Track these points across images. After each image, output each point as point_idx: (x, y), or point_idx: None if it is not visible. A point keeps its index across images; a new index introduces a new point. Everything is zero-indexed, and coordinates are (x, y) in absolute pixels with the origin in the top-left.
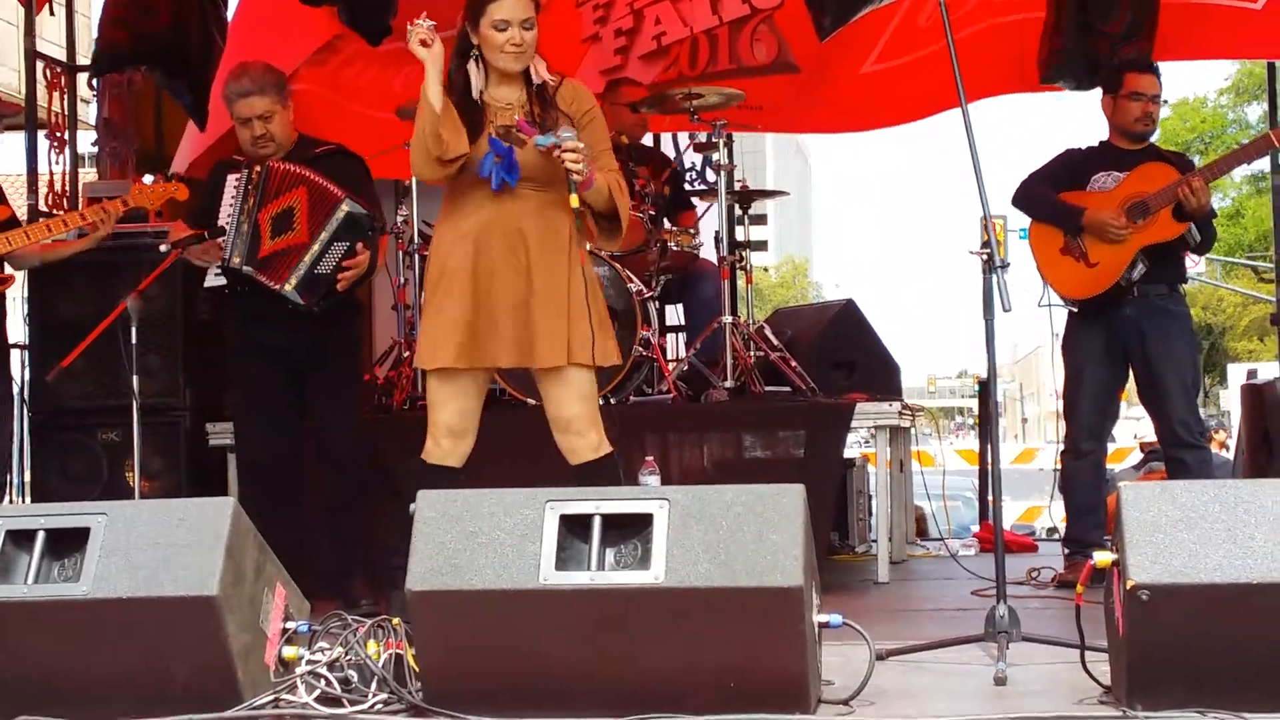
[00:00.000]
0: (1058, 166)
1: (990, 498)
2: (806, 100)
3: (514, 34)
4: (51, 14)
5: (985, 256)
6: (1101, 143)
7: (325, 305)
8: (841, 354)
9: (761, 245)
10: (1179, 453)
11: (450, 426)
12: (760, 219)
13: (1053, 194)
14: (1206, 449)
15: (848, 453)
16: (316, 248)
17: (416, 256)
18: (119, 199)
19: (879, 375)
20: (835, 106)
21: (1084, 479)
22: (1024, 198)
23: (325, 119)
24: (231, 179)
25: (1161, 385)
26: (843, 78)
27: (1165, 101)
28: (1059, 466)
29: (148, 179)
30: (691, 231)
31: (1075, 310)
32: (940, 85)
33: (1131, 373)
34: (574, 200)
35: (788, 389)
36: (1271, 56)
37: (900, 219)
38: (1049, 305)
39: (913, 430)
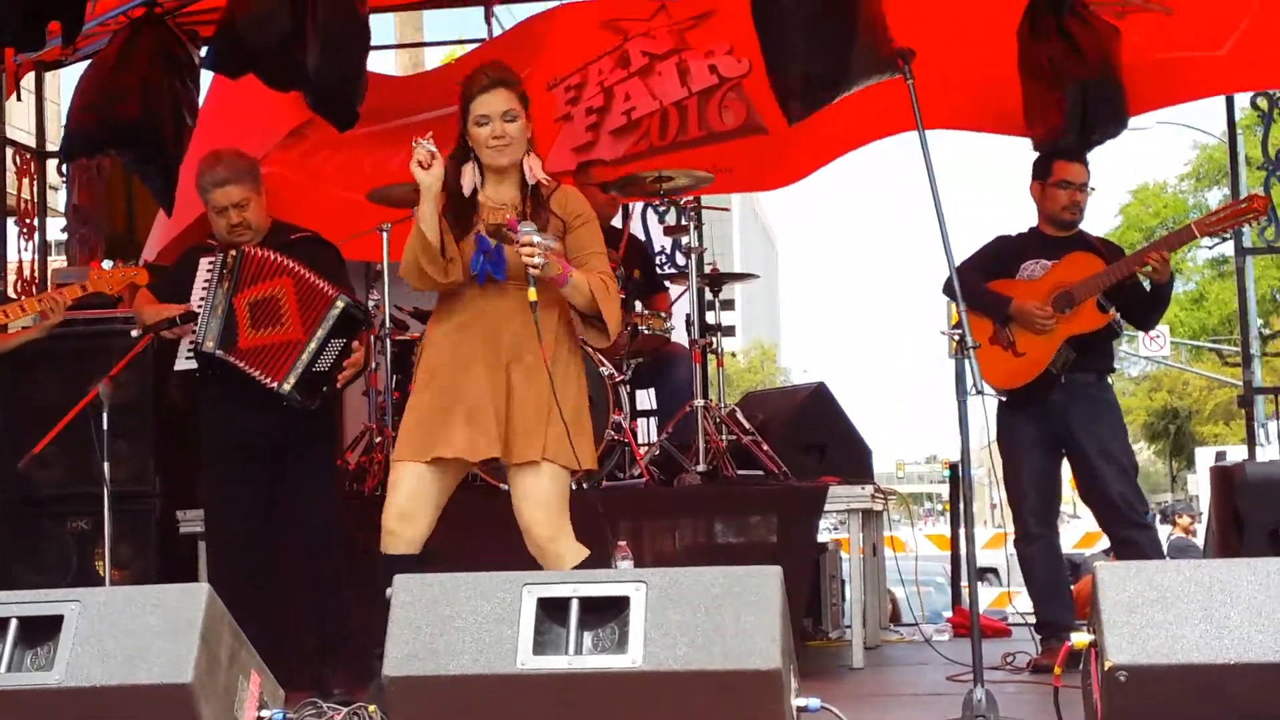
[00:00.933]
0: (989, 254)
1: (965, 582)
2: (774, 159)
3: (495, 127)
4: (19, 100)
5: (957, 338)
6: (1031, 229)
7: (322, 402)
8: (813, 437)
9: (729, 330)
10: (1128, 532)
11: (400, 510)
12: (729, 304)
13: (982, 283)
14: (1154, 528)
15: (820, 537)
16: (314, 345)
17: (387, 341)
18: (74, 284)
19: (850, 458)
20: (797, 155)
21: (1041, 563)
22: (954, 286)
23: (295, 201)
24: (204, 262)
25: (1097, 470)
26: (805, 128)
27: (1128, 192)
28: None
29: (106, 264)
30: (663, 315)
31: (1005, 400)
32: (891, 107)
33: (1068, 464)
34: (531, 294)
35: (760, 473)
36: (1238, 91)
37: (868, 302)
38: (980, 394)
39: (885, 514)
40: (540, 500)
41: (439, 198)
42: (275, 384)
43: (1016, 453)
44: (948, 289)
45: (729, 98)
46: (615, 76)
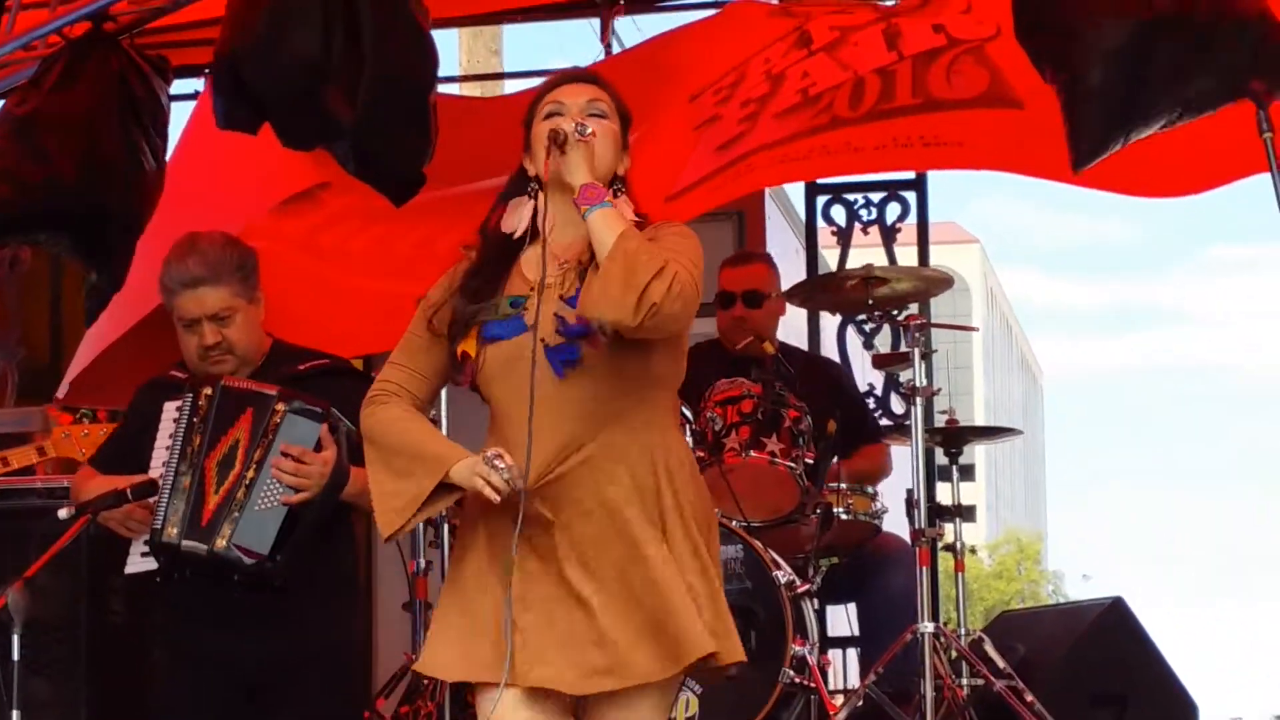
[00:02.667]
0: None
1: None
2: (1033, 135)
3: (574, 118)
4: None
5: None
6: None
7: (282, 564)
8: (1107, 683)
9: (970, 513)
10: None
11: None
12: (968, 472)
13: None
14: None
15: None
16: (251, 473)
17: (445, 528)
18: (32, 447)
19: (1164, 717)
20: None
21: None
22: None
23: (296, 294)
24: (170, 409)
25: None
26: None
27: None
28: None
29: (76, 416)
30: (871, 491)
31: None
32: (1240, 149)
33: None
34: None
35: None
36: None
37: (1186, 467)
38: None
39: None
40: None
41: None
42: (208, 548)
43: None
44: None
45: (962, 61)
46: (790, 60)
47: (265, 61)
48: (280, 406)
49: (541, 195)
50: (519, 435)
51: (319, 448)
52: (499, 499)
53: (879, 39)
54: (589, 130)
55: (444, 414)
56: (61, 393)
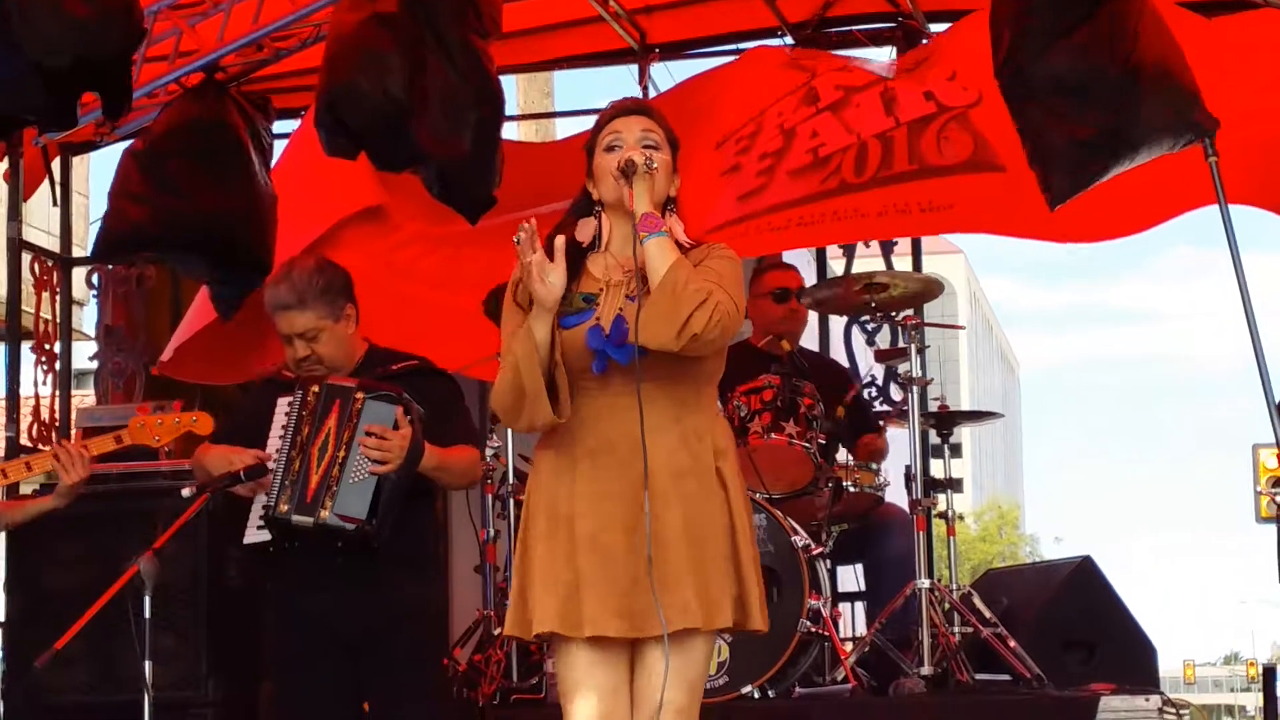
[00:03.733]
0: None
1: None
2: (1014, 197)
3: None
4: (55, 205)
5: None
6: None
7: (385, 526)
8: (1077, 630)
9: (958, 485)
10: None
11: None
12: (957, 450)
13: None
14: None
15: None
16: (342, 453)
17: (510, 502)
18: (107, 436)
19: (1127, 659)
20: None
21: None
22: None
23: (384, 308)
24: (283, 404)
25: None
26: None
27: None
28: None
29: (152, 408)
30: (874, 468)
31: None
32: (1192, 182)
33: None
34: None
35: (1006, 677)
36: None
37: (1142, 447)
38: None
39: None
40: (689, 674)
41: (555, 309)
42: (313, 521)
43: None
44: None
45: (950, 128)
46: (800, 115)
47: (358, 101)
48: (360, 395)
49: (604, 215)
50: (587, 407)
51: (397, 427)
52: (538, 277)
53: (877, 103)
54: (654, 165)
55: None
56: (166, 356)
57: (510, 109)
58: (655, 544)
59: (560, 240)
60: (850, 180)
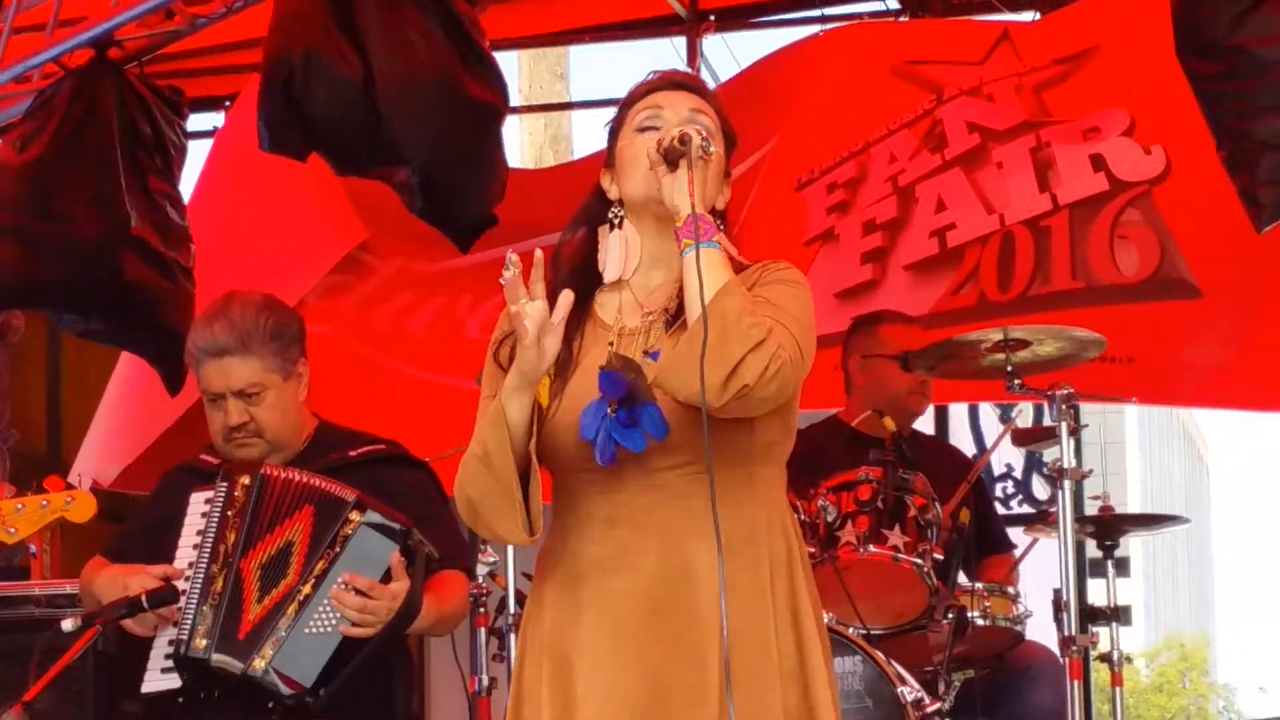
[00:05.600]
0: None
1: None
2: (1216, 347)
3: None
4: None
5: None
6: None
7: (327, 700)
8: None
9: (1124, 615)
10: None
11: None
12: (1123, 566)
13: None
14: None
15: None
16: (308, 589)
17: (511, 638)
18: None
19: None
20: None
21: None
22: None
23: (348, 383)
24: (198, 500)
25: None
26: None
27: None
28: None
29: (9, 491)
30: (1011, 592)
31: None
32: None
33: None
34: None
35: None
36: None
37: None
38: None
39: None
40: None
41: (536, 385)
42: (244, 667)
43: None
44: None
45: (1128, 222)
46: (920, 166)
47: (315, 79)
48: (355, 516)
49: (626, 222)
50: (595, 504)
51: (387, 576)
52: (521, 301)
53: (1028, 164)
54: (713, 149)
55: None
56: (106, 481)
57: (512, 97)
58: (683, 705)
59: (568, 298)
60: (992, 296)
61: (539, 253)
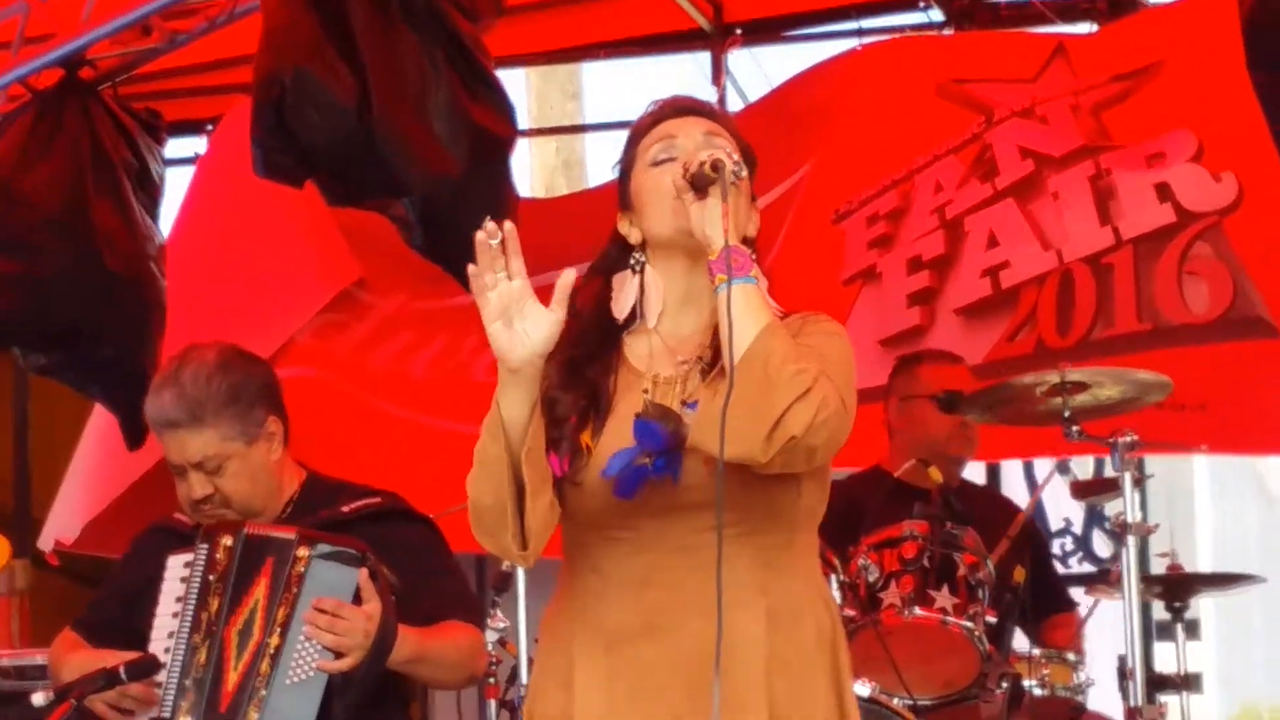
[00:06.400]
0: None
1: None
2: None
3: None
4: None
5: None
6: None
7: None
8: None
9: (1195, 683)
10: None
11: None
12: (1193, 630)
13: None
14: None
15: None
16: (275, 639)
17: (525, 711)
18: None
19: None
20: None
21: None
22: None
23: (344, 431)
24: (176, 564)
25: None
26: None
27: None
28: None
29: None
30: (1072, 659)
31: None
32: None
33: None
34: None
35: None
36: None
37: None
38: None
39: None
40: None
41: (535, 374)
42: None
43: None
44: None
45: (1197, 254)
46: (969, 197)
47: (309, 99)
48: (303, 552)
49: (648, 267)
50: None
51: (358, 599)
52: (494, 273)
53: (1087, 194)
54: (744, 174)
55: None
56: (69, 538)
57: (520, 120)
58: None
59: (568, 277)
60: (1050, 342)
61: (511, 225)
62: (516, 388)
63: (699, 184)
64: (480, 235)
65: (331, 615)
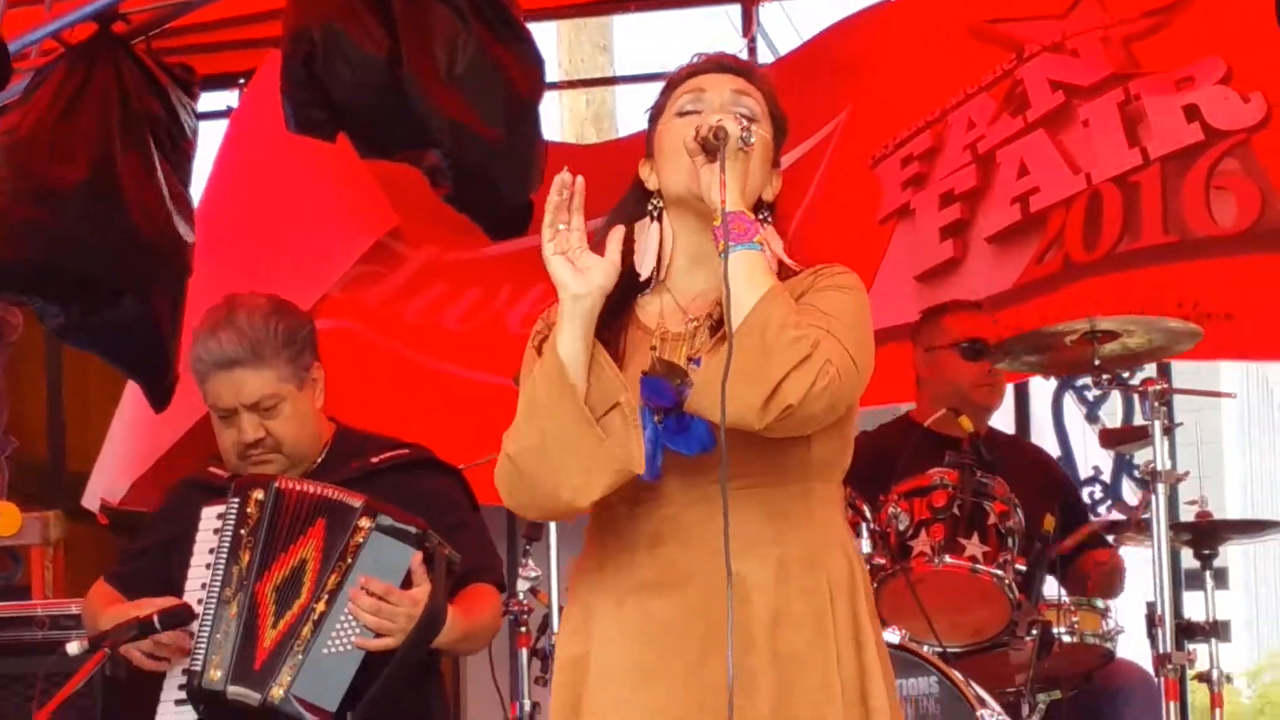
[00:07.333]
0: None
1: None
2: None
3: (711, 117)
4: None
5: None
6: None
7: (359, 718)
8: None
9: (1224, 630)
10: None
11: None
12: (1221, 577)
13: None
14: None
15: None
16: (321, 605)
17: (554, 660)
18: None
19: None
20: None
21: None
22: None
23: (377, 383)
24: (209, 515)
25: None
26: None
27: None
28: None
29: None
30: (1101, 606)
31: None
32: None
33: None
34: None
35: None
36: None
37: None
38: None
39: None
40: None
41: (595, 308)
42: (261, 697)
43: None
44: None
45: (1225, 170)
46: (1001, 131)
47: (340, 53)
48: (365, 523)
49: (666, 217)
50: (636, 524)
51: (407, 581)
52: (573, 258)
53: (1116, 118)
54: (753, 140)
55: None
56: (115, 498)
57: (551, 72)
58: None
59: (619, 233)
60: (1077, 258)
61: (581, 179)
62: (575, 321)
63: (708, 147)
64: (557, 180)
65: (378, 599)
